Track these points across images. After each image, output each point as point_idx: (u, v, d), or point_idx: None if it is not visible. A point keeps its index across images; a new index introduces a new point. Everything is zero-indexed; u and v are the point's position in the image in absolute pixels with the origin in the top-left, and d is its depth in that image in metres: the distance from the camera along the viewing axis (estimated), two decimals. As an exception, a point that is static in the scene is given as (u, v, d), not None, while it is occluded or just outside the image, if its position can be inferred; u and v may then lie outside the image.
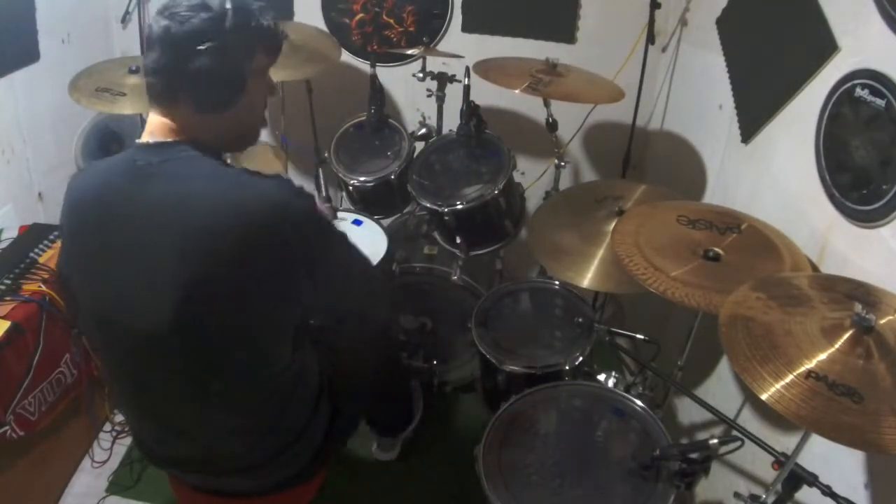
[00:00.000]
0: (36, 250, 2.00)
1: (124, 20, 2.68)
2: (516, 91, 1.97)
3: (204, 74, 1.11)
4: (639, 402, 1.63)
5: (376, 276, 1.45)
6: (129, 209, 1.14)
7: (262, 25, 1.18)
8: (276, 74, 1.39)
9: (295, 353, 1.33)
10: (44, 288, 1.87)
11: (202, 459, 1.32)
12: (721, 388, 1.93)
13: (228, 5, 1.12)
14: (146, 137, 1.18)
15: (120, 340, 1.24)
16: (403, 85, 2.73)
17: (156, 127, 1.17)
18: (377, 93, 2.32)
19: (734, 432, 1.36)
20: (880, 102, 1.26)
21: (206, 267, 1.11)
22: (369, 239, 2.20)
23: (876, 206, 1.27)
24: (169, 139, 1.16)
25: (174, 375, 1.22)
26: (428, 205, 2.10)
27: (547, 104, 2.14)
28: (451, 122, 2.28)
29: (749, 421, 1.71)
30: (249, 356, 1.23)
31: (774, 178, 1.72)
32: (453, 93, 2.34)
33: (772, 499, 1.27)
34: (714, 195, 2.10)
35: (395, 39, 2.66)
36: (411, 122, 2.67)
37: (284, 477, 1.38)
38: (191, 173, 1.14)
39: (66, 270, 1.29)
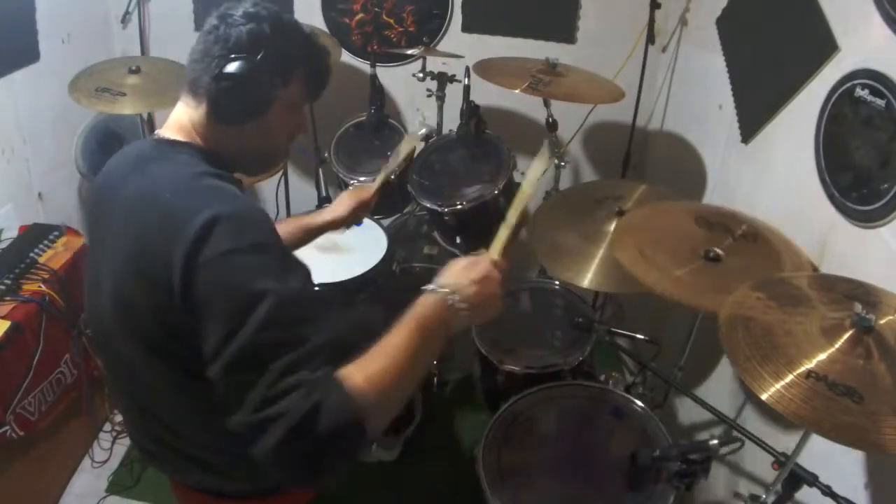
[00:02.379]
0: (36, 250, 2.00)
1: (124, 20, 2.68)
2: (516, 91, 1.97)
3: (227, 83, 1.09)
4: (639, 402, 1.64)
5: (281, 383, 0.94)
6: (116, 198, 1.14)
7: (306, 57, 1.15)
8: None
9: None
10: (44, 288, 1.87)
11: (198, 460, 1.31)
12: (721, 388, 1.93)
13: (279, 24, 1.10)
14: (163, 131, 1.18)
15: (96, 331, 1.23)
16: (403, 85, 2.73)
17: (173, 121, 1.17)
18: (377, 93, 2.32)
19: (734, 432, 1.36)
20: (880, 102, 1.26)
21: (136, 269, 1.06)
22: (369, 239, 2.21)
23: (876, 206, 1.27)
24: (178, 138, 1.16)
25: (145, 379, 1.17)
26: (428, 205, 2.10)
27: (547, 104, 2.14)
28: (451, 122, 2.28)
29: (749, 421, 1.71)
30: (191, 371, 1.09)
31: (774, 178, 1.72)
32: (453, 93, 2.34)
33: (772, 499, 1.27)
34: (714, 195, 2.10)
35: (395, 39, 2.66)
36: (411, 122, 2.67)
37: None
38: (168, 174, 1.11)
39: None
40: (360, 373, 0.98)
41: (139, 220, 1.07)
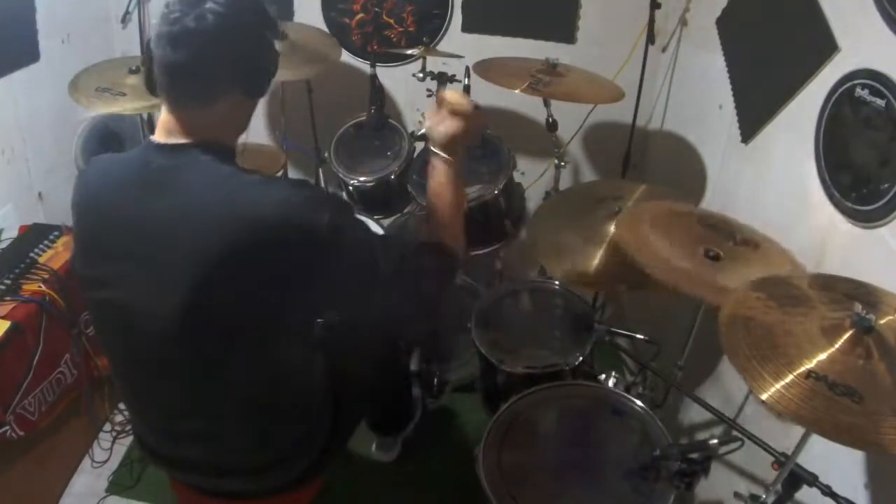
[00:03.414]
0: (36, 250, 2.00)
1: (124, 20, 2.68)
2: (516, 91, 1.97)
3: (257, 61, 1.16)
4: (639, 402, 1.63)
5: (399, 282, 1.25)
6: (143, 213, 1.14)
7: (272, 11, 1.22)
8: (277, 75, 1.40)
9: (297, 364, 1.34)
10: (44, 288, 1.87)
11: (201, 461, 1.32)
12: (721, 389, 1.93)
13: None
14: (161, 138, 1.17)
15: (126, 341, 1.24)
16: (403, 85, 2.73)
17: (172, 126, 1.16)
18: (377, 93, 2.32)
19: (734, 432, 1.36)
20: (880, 102, 1.26)
21: (213, 274, 1.10)
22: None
23: (876, 206, 1.27)
24: (185, 141, 1.15)
25: (176, 379, 1.22)
26: (428, 205, 2.10)
27: (547, 104, 2.14)
28: (451, 123, 2.28)
29: (749, 421, 1.71)
30: (250, 364, 1.22)
31: (774, 178, 1.72)
32: (453, 93, 2.34)
33: (772, 499, 1.28)
34: (714, 195, 2.10)
35: (395, 39, 2.66)
36: (411, 122, 2.67)
37: (284, 481, 1.38)
38: (206, 180, 1.13)
39: (77, 268, 1.28)
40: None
41: (206, 229, 1.09)
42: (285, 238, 1.10)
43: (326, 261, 1.14)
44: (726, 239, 1.54)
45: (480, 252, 2.21)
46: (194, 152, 1.14)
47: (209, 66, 1.12)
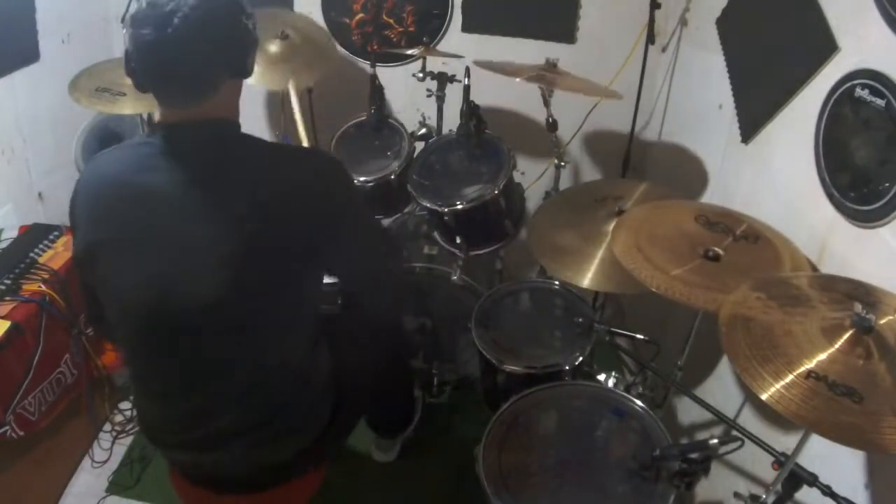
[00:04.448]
0: (36, 250, 2.00)
1: (124, 20, 2.67)
2: (517, 80, 1.96)
3: (249, 40, 1.19)
4: (639, 402, 1.63)
5: (388, 239, 1.53)
6: (170, 189, 1.16)
7: None
8: (277, 79, 1.41)
9: (308, 348, 1.38)
10: (44, 288, 1.87)
11: (201, 439, 1.33)
12: (721, 388, 1.93)
13: None
14: (170, 119, 1.20)
15: (147, 320, 1.24)
16: (403, 85, 2.73)
17: (175, 117, 1.19)
18: (377, 93, 2.32)
19: (734, 432, 1.36)
20: (880, 102, 1.26)
21: (244, 243, 1.15)
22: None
23: (876, 206, 1.27)
24: (194, 119, 1.18)
25: (193, 358, 1.25)
26: (428, 205, 2.10)
27: (547, 104, 2.14)
28: (451, 122, 2.28)
29: (749, 421, 1.71)
30: (270, 342, 1.28)
31: (774, 178, 1.72)
32: (453, 93, 2.34)
33: (772, 499, 1.28)
34: (714, 195, 2.10)
35: (395, 39, 2.66)
36: (411, 122, 2.67)
37: (280, 464, 1.39)
38: (227, 148, 1.19)
39: (86, 255, 1.26)
40: None
41: (242, 194, 1.16)
42: (315, 204, 1.22)
43: (345, 223, 1.28)
44: (725, 235, 1.54)
45: (480, 252, 2.21)
46: (210, 128, 1.19)
47: (193, 69, 1.14)
